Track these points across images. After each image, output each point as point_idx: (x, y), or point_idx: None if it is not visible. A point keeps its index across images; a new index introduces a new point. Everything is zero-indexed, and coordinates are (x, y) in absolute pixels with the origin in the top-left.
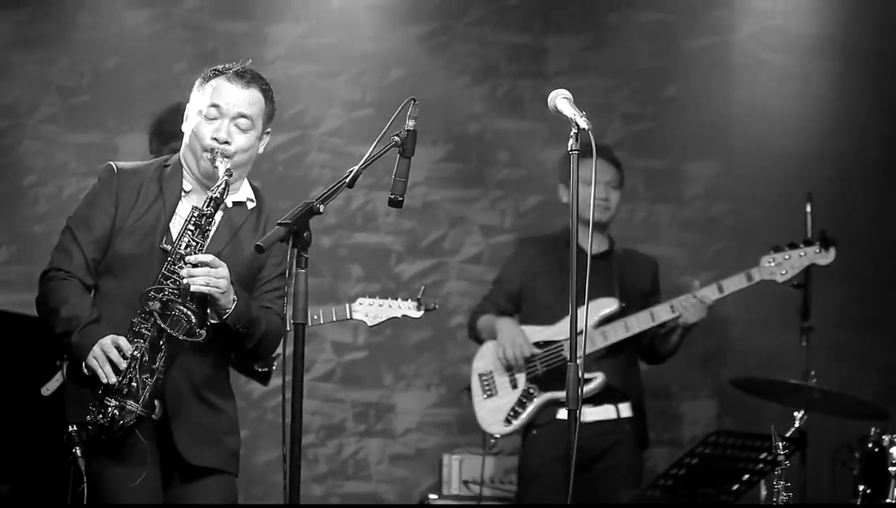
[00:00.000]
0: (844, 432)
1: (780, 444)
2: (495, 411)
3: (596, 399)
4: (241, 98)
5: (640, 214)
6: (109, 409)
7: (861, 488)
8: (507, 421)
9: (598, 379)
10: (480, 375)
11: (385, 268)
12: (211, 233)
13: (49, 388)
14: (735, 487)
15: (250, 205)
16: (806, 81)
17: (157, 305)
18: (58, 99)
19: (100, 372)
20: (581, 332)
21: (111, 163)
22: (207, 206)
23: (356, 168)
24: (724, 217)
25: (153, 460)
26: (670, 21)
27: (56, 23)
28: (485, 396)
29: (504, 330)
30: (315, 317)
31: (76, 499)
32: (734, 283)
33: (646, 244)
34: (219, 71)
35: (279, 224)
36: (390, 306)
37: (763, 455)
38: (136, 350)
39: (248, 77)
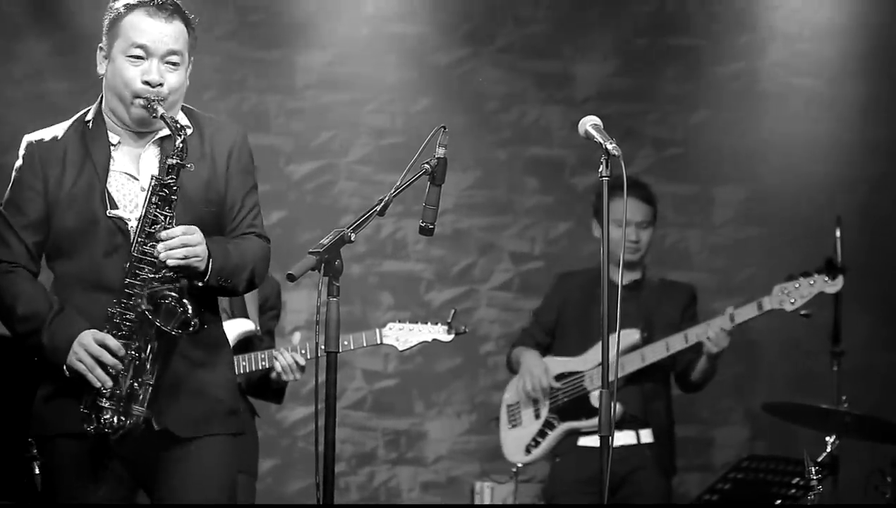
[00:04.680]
0: (877, 456)
1: (813, 469)
2: (517, 440)
3: (616, 425)
4: (167, 33)
5: (671, 240)
6: (108, 415)
7: None
8: (528, 451)
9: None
10: (508, 406)
11: (415, 296)
12: (176, 201)
13: None
14: None
15: (187, 131)
16: (834, 105)
17: (145, 302)
18: None
19: (90, 376)
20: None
21: (26, 136)
22: (168, 175)
23: (387, 196)
24: (754, 242)
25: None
26: (698, 46)
27: (84, 52)
28: (510, 426)
29: (525, 363)
30: (346, 343)
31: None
32: (746, 313)
33: (676, 270)
34: (132, 5)
35: (310, 253)
36: (420, 330)
37: (795, 480)
38: (130, 350)
39: (171, 9)
